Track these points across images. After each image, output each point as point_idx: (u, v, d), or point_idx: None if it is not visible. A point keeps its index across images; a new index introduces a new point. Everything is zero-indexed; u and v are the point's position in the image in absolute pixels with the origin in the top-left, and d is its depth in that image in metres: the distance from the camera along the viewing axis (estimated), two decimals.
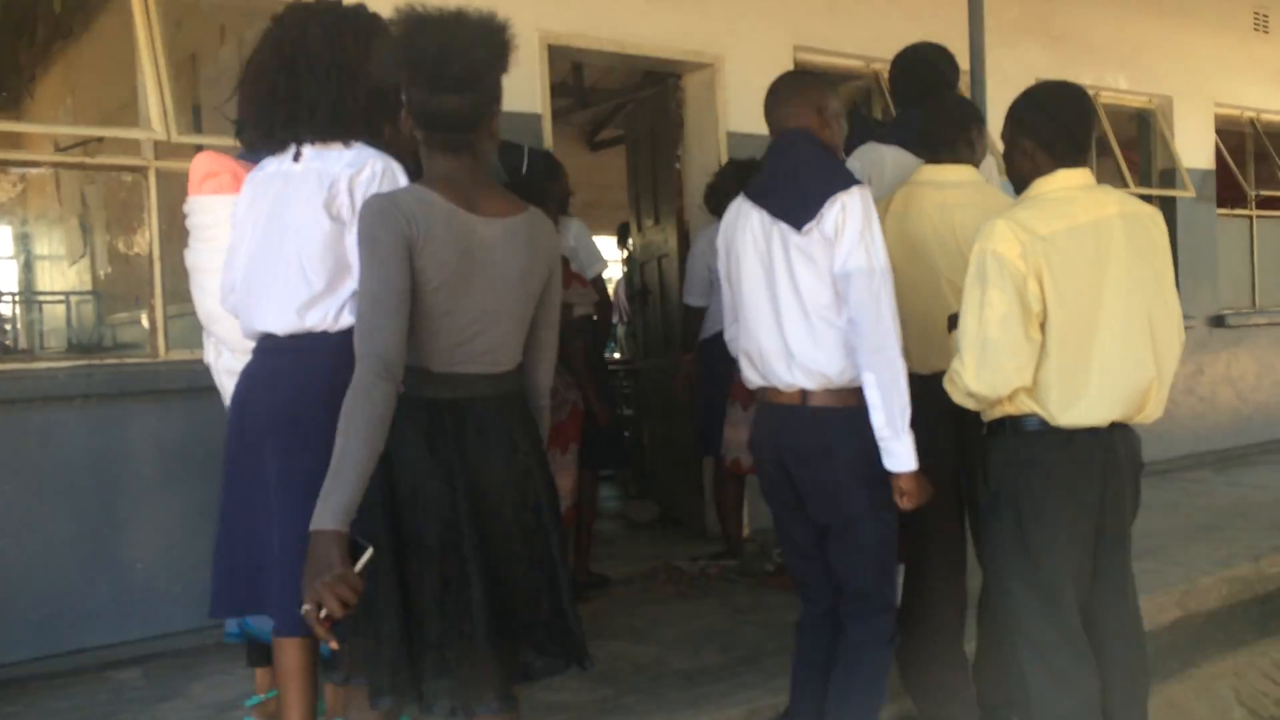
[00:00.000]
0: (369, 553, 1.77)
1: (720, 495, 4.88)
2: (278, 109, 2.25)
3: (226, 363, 2.69)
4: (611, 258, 7.03)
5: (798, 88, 2.66)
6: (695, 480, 5.47)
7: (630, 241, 6.82)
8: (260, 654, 2.91)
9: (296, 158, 2.23)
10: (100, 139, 4.17)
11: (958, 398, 2.51)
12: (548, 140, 4.68)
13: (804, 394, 2.55)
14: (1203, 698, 3.91)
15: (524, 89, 4.63)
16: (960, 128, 2.99)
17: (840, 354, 2.50)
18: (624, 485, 7.04)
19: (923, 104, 3.17)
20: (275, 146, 2.28)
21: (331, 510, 1.73)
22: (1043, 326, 2.40)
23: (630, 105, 6.73)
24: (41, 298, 10.47)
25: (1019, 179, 2.59)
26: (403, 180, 2.19)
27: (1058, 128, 2.48)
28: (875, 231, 2.45)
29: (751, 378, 2.69)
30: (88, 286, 8.91)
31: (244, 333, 2.34)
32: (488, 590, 1.89)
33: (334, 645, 1.75)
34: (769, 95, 2.70)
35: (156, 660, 3.71)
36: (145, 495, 3.80)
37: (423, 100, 1.92)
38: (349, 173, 2.18)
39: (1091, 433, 2.44)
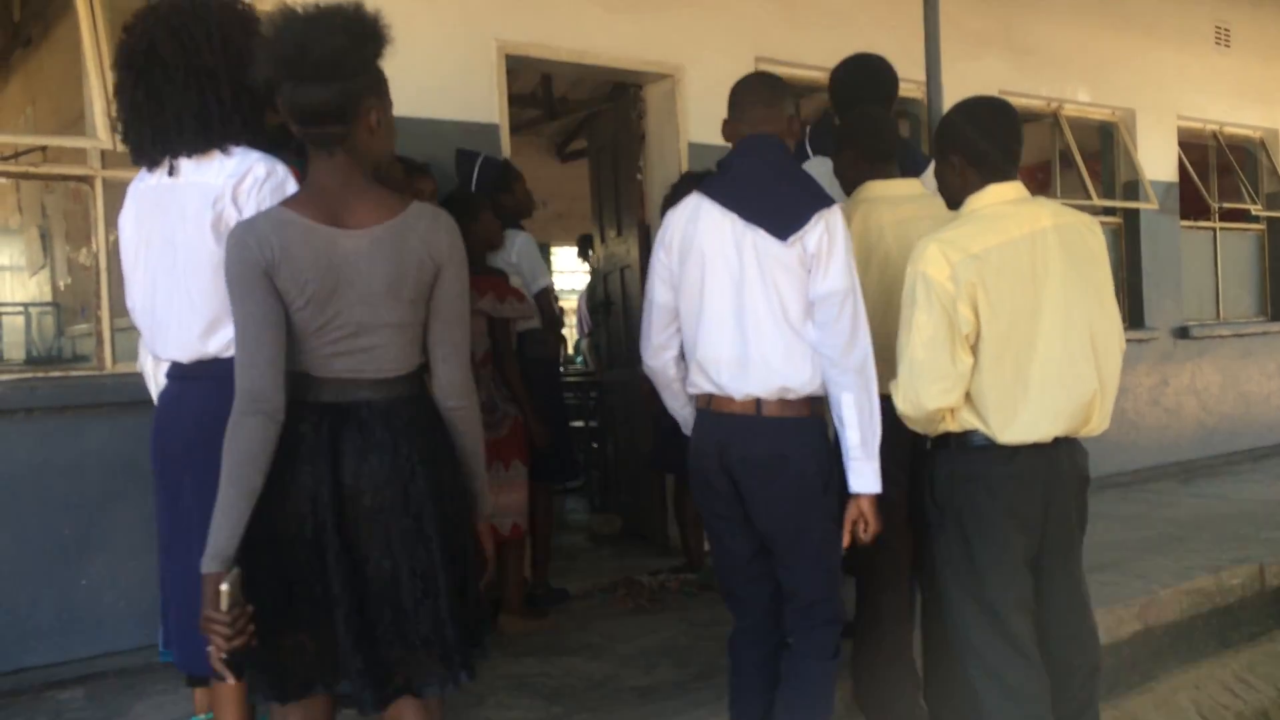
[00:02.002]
0: (234, 572, 1.82)
1: (681, 509, 4.85)
2: (144, 126, 2.16)
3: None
4: (573, 269, 7.01)
5: (773, 93, 2.57)
6: (658, 493, 5.44)
7: (591, 253, 6.79)
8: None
9: (172, 172, 2.15)
10: (44, 148, 4.10)
11: (902, 415, 2.50)
12: (505, 150, 4.64)
13: (758, 403, 2.49)
14: (1162, 710, 3.90)
15: (481, 98, 4.60)
16: (897, 140, 3.01)
17: (808, 365, 2.45)
18: (590, 498, 7.00)
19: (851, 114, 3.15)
20: (151, 162, 2.19)
21: (209, 554, 1.82)
22: (975, 347, 2.39)
23: (594, 116, 6.71)
24: (1, 309, 10.34)
25: (948, 194, 2.58)
26: (290, 183, 2.13)
27: (986, 142, 2.46)
28: (851, 251, 2.44)
29: (700, 384, 2.58)
30: (48, 297, 8.80)
31: (161, 354, 2.28)
32: (351, 593, 1.88)
33: (232, 680, 1.85)
34: (738, 95, 2.61)
35: (99, 679, 3.63)
36: (90, 510, 3.72)
37: (289, 94, 1.88)
38: (231, 184, 2.10)
39: (1035, 448, 2.43)
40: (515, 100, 4.92)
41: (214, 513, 1.83)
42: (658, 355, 2.70)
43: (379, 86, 1.96)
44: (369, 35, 1.89)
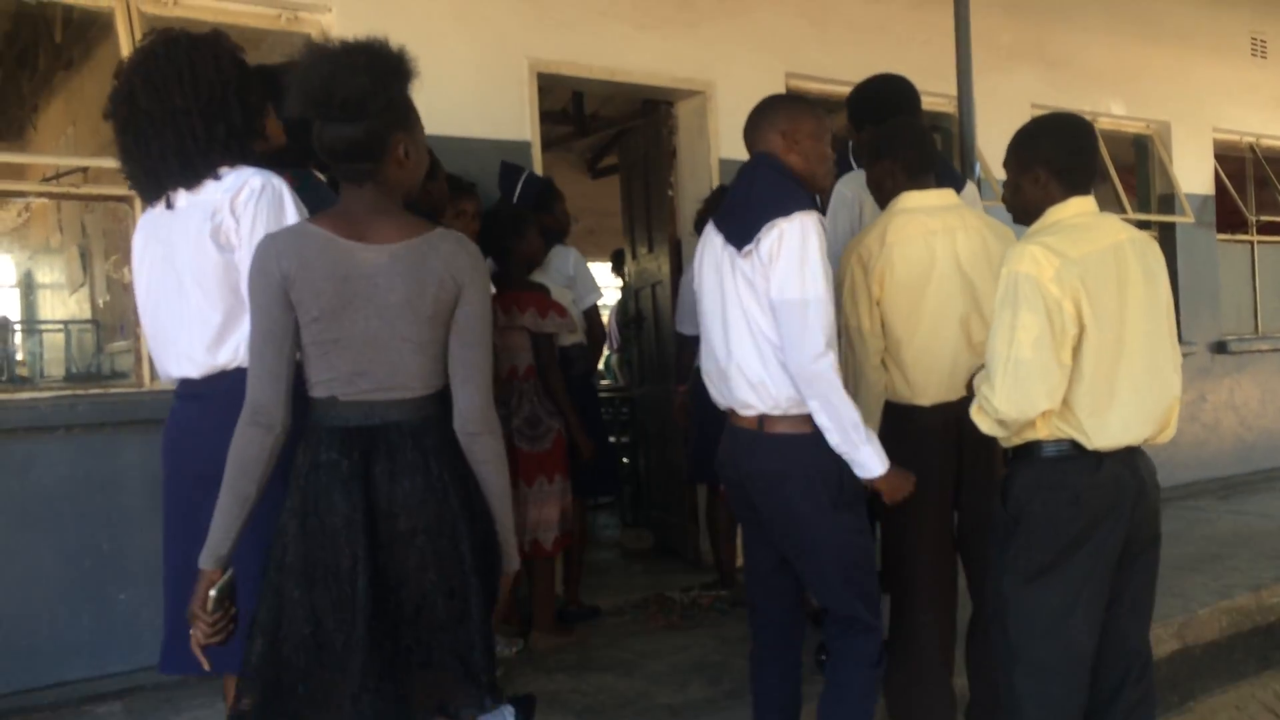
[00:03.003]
0: (227, 575, 1.96)
1: (713, 523, 4.84)
2: (136, 167, 2.24)
3: None
4: (606, 285, 7.03)
5: (763, 111, 2.64)
6: (689, 508, 5.43)
7: (625, 269, 6.81)
8: None
9: (170, 205, 2.22)
10: (85, 169, 4.17)
11: (985, 426, 2.48)
12: (537, 167, 4.67)
13: (761, 419, 2.55)
14: None
15: (514, 116, 4.63)
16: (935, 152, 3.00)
17: (786, 377, 2.48)
18: (621, 513, 6.99)
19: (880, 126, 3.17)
20: (151, 198, 2.26)
21: (206, 552, 1.94)
22: (1075, 350, 2.38)
23: (625, 133, 6.74)
24: (42, 326, 10.49)
25: (1026, 207, 2.57)
26: (286, 193, 2.18)
27: (1072, 157, 2.50)
28: (812, 260, 2.42)
29: (715, 397, 2.70)
30: (87, 315, 8.92)
31: (162, 379, 2.33)
32: (372, 618, 1.88)
33: (206, 667, 2.01)
34: (745, 123, 2.70)
35: (138, 693, 3.68)
36: (128, 526, 3.77)
37: (319, 132, 1.93)
38: (228, 197, 2.16)
39: (1118, 456, 2.43)
40: (546, 117, 4.95)
41: (214, 514, 1.94)
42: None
43: (406, 120, 1.99)
44: (393, 73, 1.92)
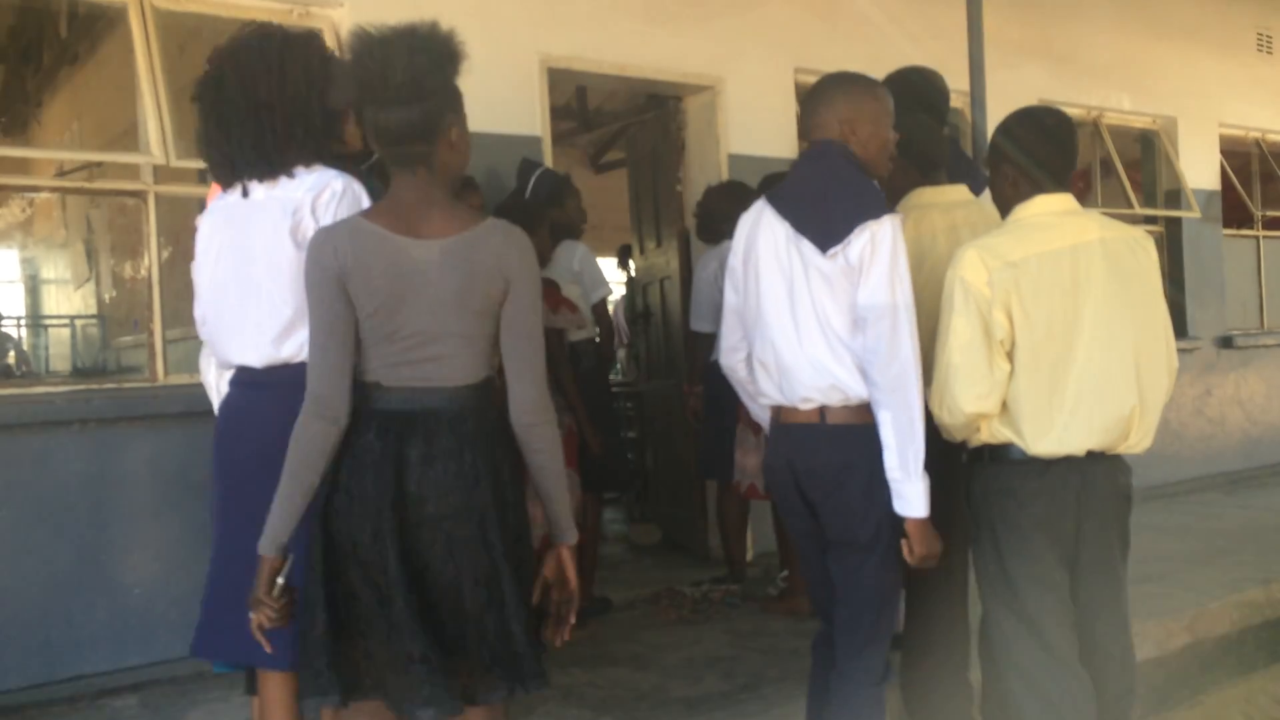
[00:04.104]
0: (289, 562, 1.99)
1: (724, 518, 4.84)
2: (215, 151, 2.27)
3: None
4: (613, 279, 7.04)
5: (821, 94, 2.53)
6: (699, 503, 5.44)
7: (631, 264, 6.81)
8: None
9: (245, 194, 2.24)
10: (100, 164, 4.17)
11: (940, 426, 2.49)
12: (547, 162, 4.67)
13: (822, 411, 2.46)
14: None
15: (523, 111, 4.63)
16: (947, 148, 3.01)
17: (858, 372, 2.41)
18: (629, 508, 7.00)
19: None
20: (226, 183, 2.29)
21: (265, 539, 1.97)
22: (1010, 355, 2.38)
23: (632, 127, 6.74)
24: (47, 321, 10.51)
25: (1002, 204, 2.58)
26: (364, 197, 2.20)
27: (1037, 153, 2.48)
28: (902, 265, 2.36)
29: (768, 390, 2.58)
30: (93, 310, 8.94)
31: (220, 364, 2.34)
32: (411, 601, 1.92)
33: (268, 649, 2.01)
34: (806, 98, 2.60)
35: (154, 687, 3.68)
36: (143, 520, 3.78)
37: (373, 116, 1.95)
38: (310, 196, 2.18)
39: (1068, 462, 2.41)
40: (551, 112, 4.95)
41: (274, 501, 1.97)
42: (730, 355, 2.72)
43: (457, 103, 2.01)
44: (447, 54, 1.94)
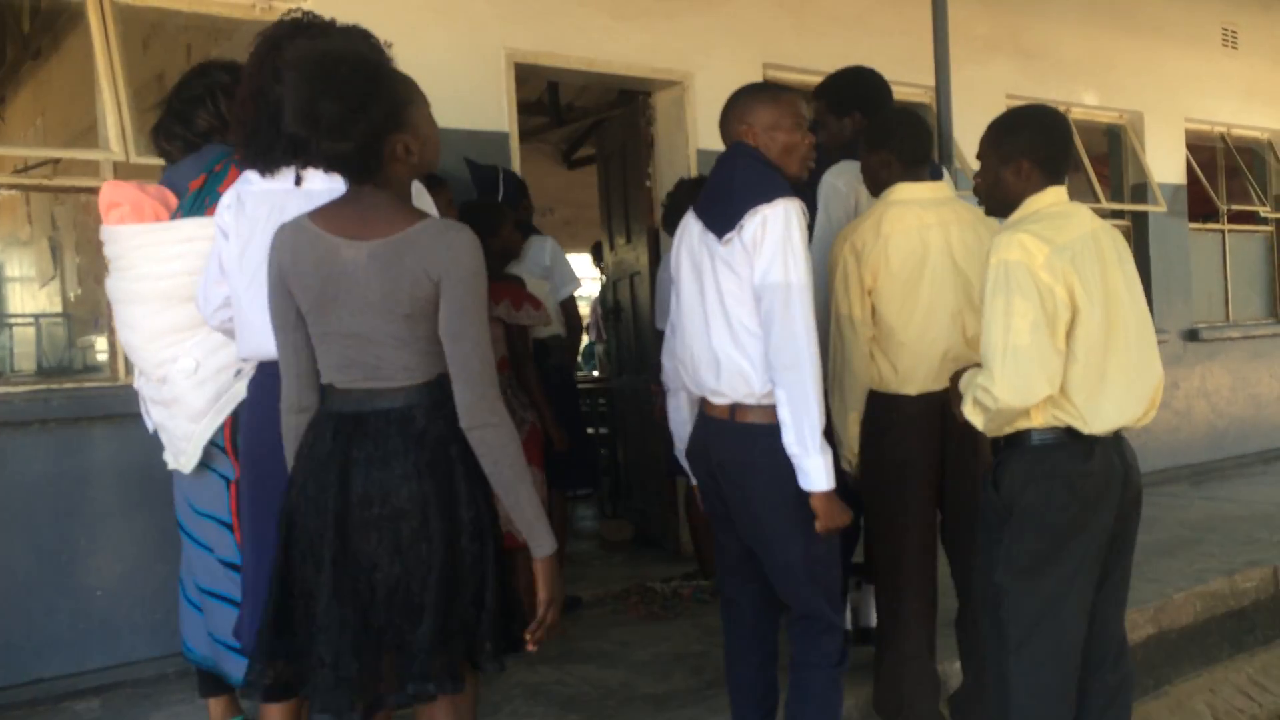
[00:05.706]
0: None
1: (693, 515, 4.84)
2: (252, 139, 2.22)
3: (152, 392, 2.66)
4: (586, 275, 7.04)
5: (730, 103, 2.64)
6: (670, 499, 5.43)
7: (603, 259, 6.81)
8: (210, 684, 2.88)
9: (298, 182, 2.22)
10: (58, 160, 4.12)
11: (979, 422, 2.45)
12: (515, 158, 4.66)
13: (733, 408, 2.53)
14: (1177, 715, 3.89)
15: (491, 107, 4.61)
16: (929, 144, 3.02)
17: (765, 366, 2.46)
18: (600, 505, 6.99)
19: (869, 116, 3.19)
20: (267, 169, 2.23)
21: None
22: (1068, 335, 2.40)
23: (602, 123, 6.73)
24: (11, 320, 10.36)
25: (1006, 198, 2.57)
26: (425, 197, 2.20)
27: (1054, 147, 2.54)
28: (796, 245, 2.41)
29: (688, 384, 2.69)
30: (58, 309, 8.82)
31: (242, 353, 2.31)
32: (333, 605, 1.92)
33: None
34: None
35: (116, 690, 3.64)
36: (105, 521, 3.73)
37: (315, 148, 1.94)
38: None
39: (1108, 442, 2.46)
40: (521, 107, 4.92)
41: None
42: (668, 356, 2.83)
43: (399, 119, 1.95)
44: (370, 86, 1.90)
